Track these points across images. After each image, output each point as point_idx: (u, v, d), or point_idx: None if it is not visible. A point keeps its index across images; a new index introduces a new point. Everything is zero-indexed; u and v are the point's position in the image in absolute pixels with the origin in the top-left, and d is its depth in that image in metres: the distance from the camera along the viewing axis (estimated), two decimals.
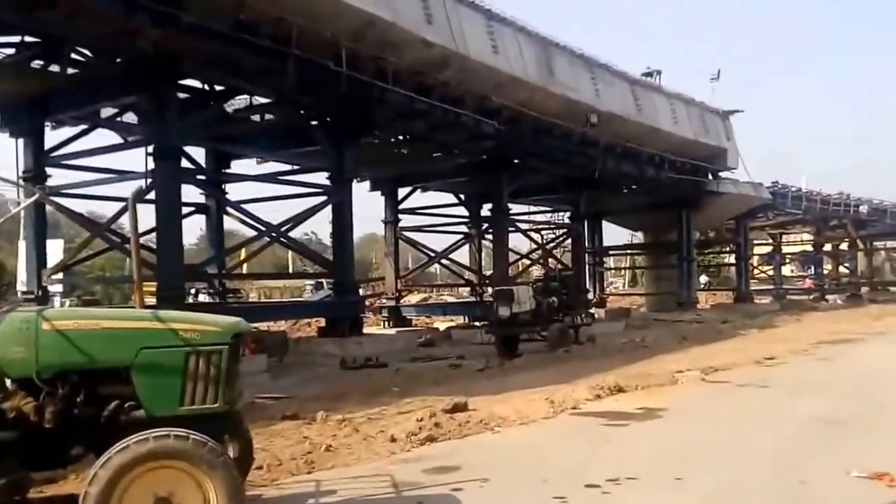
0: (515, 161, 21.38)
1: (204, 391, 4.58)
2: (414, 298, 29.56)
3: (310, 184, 16.75)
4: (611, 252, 37.20)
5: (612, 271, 51.92)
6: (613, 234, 39.44)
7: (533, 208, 28.53)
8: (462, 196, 25.07)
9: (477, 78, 17.59)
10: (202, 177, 17.05)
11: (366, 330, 21.45)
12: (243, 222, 16.01)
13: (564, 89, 20.45)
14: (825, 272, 45.71)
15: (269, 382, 12.69)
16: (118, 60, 13.55)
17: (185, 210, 17.26)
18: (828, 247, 46.33)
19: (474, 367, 13.50)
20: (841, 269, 48.41)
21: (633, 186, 28.80)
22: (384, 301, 23.03)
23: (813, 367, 13.41)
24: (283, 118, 16.55)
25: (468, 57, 16.83)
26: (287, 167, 18.86)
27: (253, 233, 17.13)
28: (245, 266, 38.10)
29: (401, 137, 19.15)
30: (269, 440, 7.54)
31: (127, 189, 15.20)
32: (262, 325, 19.55)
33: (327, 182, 16.23)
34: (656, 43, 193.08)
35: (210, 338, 4.67)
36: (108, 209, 21.72)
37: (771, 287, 43.44)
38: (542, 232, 29.90)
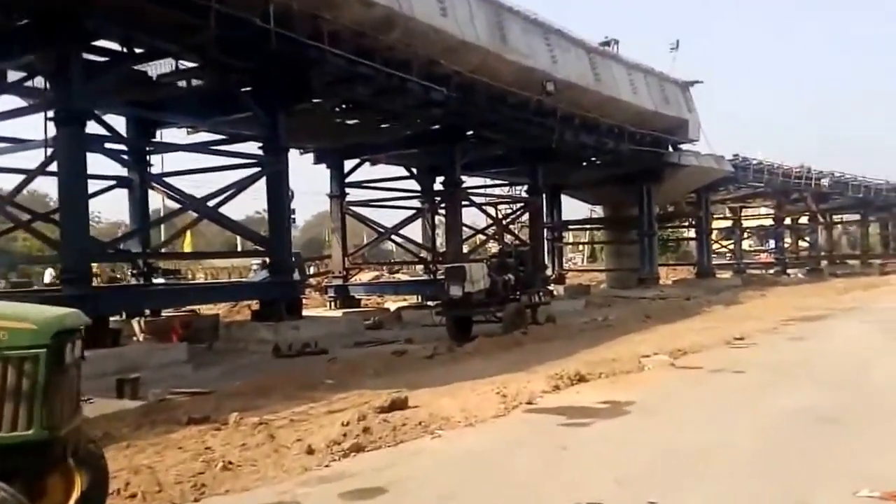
0: (468, 131, 20.14)
1: (13, 413, 3.36)
2: (366, 277, 28.26)
3: (242, 154, 15.27)
4: (570, 227, 36.23)
5: (572, 247, 51.23)
6: (573, 208, 38.56)
7: (489, 182, 27.28)
8: (414, 169, 23.71)
9: (424, 41, 16.25)
10: (121, 147, 15.46)
11: (312, 312, 20.24)
12: (171, 197, 14.52)
13: (518, 56, 19.22)
14: (786, 246, 45.35)
15: (190, 374, 11.39)
16: (15, 15, 11.94)
17: (104, 183, 15.85)
18: (787, 220, 46.00)
19: (422, 353, 12.27)
20: (801, 242, 48.22)
21: (593, 159, 27.77)
22: (331, 280, 21.70)
23: (787, 349, 12.46)
24: (211, 83, 15.01)
25: (413, 18, 15.49)
26: (220, 137, 17.30)
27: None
28: (188, 244, 36.58)
29: (345, 106, 17.71)
30: (160, 454, 6.24)
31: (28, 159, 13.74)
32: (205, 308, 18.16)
33: (261, 152, 14.77)
34: (614, 12, 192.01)
35: (20, 338, 3.44)
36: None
37: (731, 261, 43.03)
38: (500, 206, 28.66)
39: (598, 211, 37.49)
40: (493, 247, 25.16)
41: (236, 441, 6.61)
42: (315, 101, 16.64)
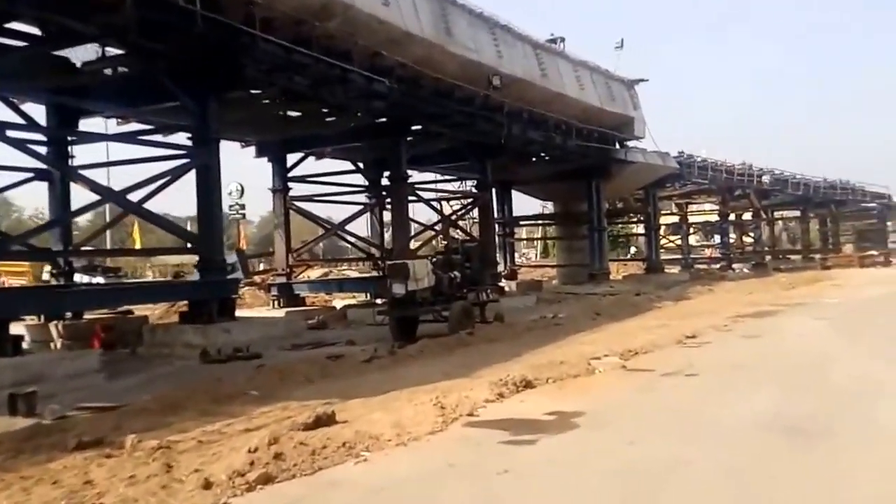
0: (414, 125, 19.10)
1: None
2: (315, 274, 27.03)
3: (169, 144, 14.00)
4: (521, 222, 35.43)
5: (525, 242, 50.62)
6: (527, 204, 37.74)
7: (438, 177, 26.26)
8: (361, 164, 22.56)
9: (366, 31, 15.19)
10: (38, 136, 14.07)
11: (255, 312, 19.02)
12: (93, 189, 13.18)
13: (464, 50, 18.29)
14: (731, 241, 45.29)
15: (102, 385, 10.17)
16: None
17: (21, 176, 14.47)
18: (732, 216, 45.93)
19: (361, 356, 11.20)
20: (745, 238, 48.28)
21: (542, 155, 26.99)
22: (275, 279, 20.44)
23: (741, 348, 11.72)
24: (136, 70, 13.66)
25: (354, 6, 14.43)
26: (150, 127, 15.94)
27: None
28: (137, 241, 34.81)
29: (285, 97, 16.48)
30: (27, 491, 5.15)
31: None
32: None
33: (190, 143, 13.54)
34: (557, 11, 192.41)
35: None
36: None
37: (679, 257, 42.78)
38: (451, 202, 27.64)
39: (551, 207, 36.79)
40: (443, 243, 24.17)
41: (125, 472, 5.52)
42: (252, 91, 15.47)
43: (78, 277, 31.20)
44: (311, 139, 19.47)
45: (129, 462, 5.81)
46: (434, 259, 14.97)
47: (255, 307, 20.35)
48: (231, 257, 24.20)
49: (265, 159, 20.27)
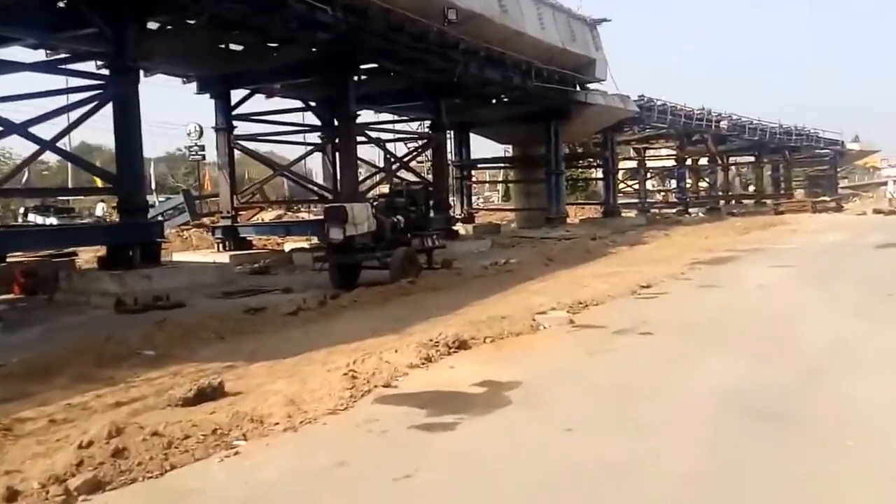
0: (364, 60, 17.35)
1: None
2: (270, 217, 25.37)
3: (86, 73, 12.20)
4: (479, 165, 33.84)
5: (488, 186, 49.14)
6: (489, 147, 35.88)
7: (393, 117, 24.46)
8: (313, 103, 20.73)
9: None
10: None
11: (197, 255, 17.46)
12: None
13: None
14: (687, 186, 44.21)
15: None
16: None
17: None
18: (689, 162, 44.81)
19: (286, 307, 9.74)
20: (701, 183, 47.30)
21: (501, 96, 25.36)
22: (219, 221, 18.79)
23: (698, 299, 10.51)
24: None
25: None
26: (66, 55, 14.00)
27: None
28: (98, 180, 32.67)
29: (223, 26, 14.61)
30: None
31: None
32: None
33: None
34: None
35: None
36: None
37: (636, 201, 41.73)
38: (407, 144, 25.96)
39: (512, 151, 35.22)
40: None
41: None
42: (187, 20, 13.62)
43: (31, 218, 29.37)
44: (255, 74, 17.61)
45: None
46: (376, 202, 13.49)
47: (202, 250, 18.76)
48: (177, 198, 22.57)
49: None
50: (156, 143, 43.24)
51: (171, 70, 17.30)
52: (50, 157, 37.67)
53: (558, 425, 4.86)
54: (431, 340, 7.18)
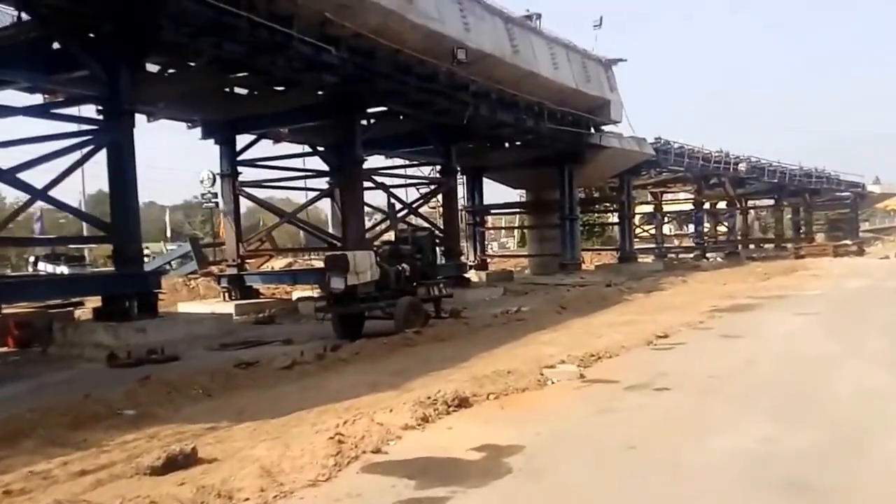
0: (371, 102, 17.19)
1: None
2: (279, 264, 25.07)
3: (79, 118, 12.03)
4: (492, 211, 33.50)
5: (505, 231, 48.78)
6: (504, 193, 35.44)
7: (402, 162, 24.24)
8: (321, 147, 20.53)
9: None
10: None
11: (201, 305, 17.10)
12: None
13: (426, 19, 16.26)
14: (705, 230, 43.57)
15: None
16: None
17: None
18: (706, 205, 44.26)
19: (280, 361, 9.26)
20: (719, 227, 46.65)
21: (513, 140, 25.16)
22: (225, 270, 18.47)
23: (719, 351, 9.95)
24: (41, 33, 11.65)
25: None
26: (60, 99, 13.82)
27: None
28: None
29: (222, 68, 14.51)
30: None
31: None
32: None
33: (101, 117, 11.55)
34: None
35: None
36: None
37: (653, 246, 41.16)
38: (419, 189, 25.68)
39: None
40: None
41: None
42: (188, 62, 13.50)
43: (42, 267, 29.26)
44: (261, 119, 17.46)
45: None
46: (380, 250, 13.11)
47: (209, 299, 18.40)
48: (184, 246, 22.35)
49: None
50: (174, 191, 43.53)
51: (174, 115, 17.20)
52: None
53: (561, 500, 4.36)
54: (430, 398, 6.71)
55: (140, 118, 16.05)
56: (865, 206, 67.86)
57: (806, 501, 4.24)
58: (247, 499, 4.48)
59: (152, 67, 13.98)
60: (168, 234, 45.56)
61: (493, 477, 4.88)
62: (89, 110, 12.65)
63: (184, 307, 16.42)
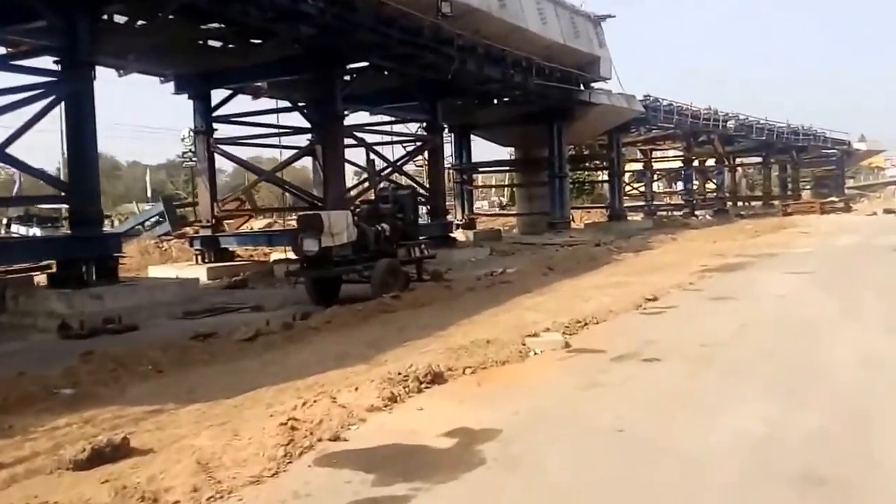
0: (353, 56, 16.23)
1: None
2: (258, 225, 24.23)
3: (31, 69, 11.09)
4: (480, 169, 32.60)
5: (496, 189, 47.90)
6: (497, 151, 34.41)
7: (386, 119, 23.25)
8: (302, 103, 19.53)
9: None
10: None
11: (172, 268, 16.27)
12: None
13: None
14: (694, 188, 42.85)
15: None
16: None
17: None
18: (695, 163, 43.47)
19: (241, 333, 8.45)
20: (708, 185, 45.96)
21: (501, 96, 24.24)
22: (199, 231, 17.57)
23: (711, 314, 9.30)
24: None
25: None
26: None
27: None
28: None
29: (193, 18, 13.51)
30: None
31: None
32: None
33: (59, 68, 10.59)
34: None
35: None
36: None
37: (642, 203, 40.51)
38: (406, 146, 24.66)
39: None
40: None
41: None
42: (143, 8, 12.43)
43: (15, 228, 28.24)
44: (237, 72, 16.45)
45: None
46: (357, 209, 12.33)
47: (181, 262, 17.55)
48: (157, 207, 21.44)
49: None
50: (160, 149, 42.35)
51: (146, 68, 16.16)
52: (49, 167, 36.67)
53: (540, 498, 3.70)
54: (400, 374, 6.03)
55: (111, 72, 15.23)
56: (851, 163, 67.27)
57: (826, 500, 3.59)
58: (176, 501, 3.80)
59: (120, 19, 13.05)
60: (149, 194, 44.29)
61: (464, 468, 4.21)
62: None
63: (154, 271, 15.60)
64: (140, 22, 12.91)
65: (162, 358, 7.18)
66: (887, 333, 7.61)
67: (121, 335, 9.02)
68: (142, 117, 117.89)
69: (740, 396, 5.52)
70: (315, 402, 5.43)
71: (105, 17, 11.39)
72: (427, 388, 5.93)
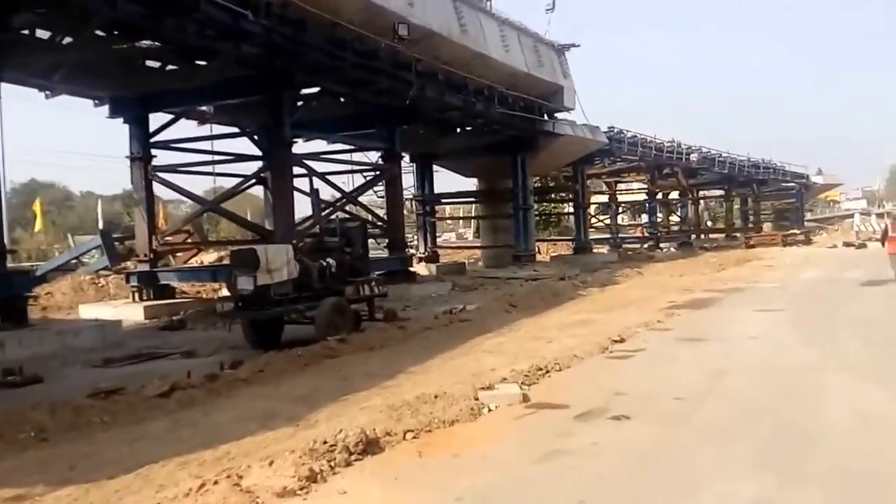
0: (305, 82, 15.36)
1: None
2: (209, 258, 22.96)
3: None
4: (443, 200, 31.74)
5: (463, 222, 47.19)
6: (459, 182, 33.48)
7: (342, 147, 22.29)
8: (250, 129, 18.41)
9: None
10: None
11: (107, 306, 14.98)
12: None
13: None
14: (658, 220, 42.55)
15: None
16: None
17: None
18: (659, 195, 43.24)
19: (153, 388, 7.29)
20: (671, 217, 45.78)
21: (463, 125, 23.49)
22: (136, 266, 16.26)
23: (683, 359, 8.45)
24: None
25: None
26: None
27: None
28: (38, 224, 29.96)
29: (146, 43, 12.52)
30: None
31: None
32: None
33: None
34: None
35: None
36: None
37: (607, 236, 40.05)
38: (365, 176, 23.63)
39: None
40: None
41: None
42: (60, 19, 11.41)
43: None
44: (178, 95, 15.34)
45: None
46: (300, 244, 11.33)
47: (119, 300, 16.19)
48: (95, 239, 20.06)
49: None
50: (116, 179, 40.81)
51: (75, 90, 14.98)
52: None
53: None
54: (327, 442, 5.07)
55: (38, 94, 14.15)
56: (810, 196, 68.16)
57: None
58: None
59: (44, 34, 12.04)
60: (101, 225, 42.46)
61: None
62: None
63: (85, 310, 14.27)
64: (66, 39, 11.92)
65: (49, 422, 6.06)
66: (874, 384, 6.85)
67: (19, 388, 7.86)
68: (99, 146, 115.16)
69: (725, 467, 4.68)
70: (216, 483, 4.44)
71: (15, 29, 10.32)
72: (358, 459, 4.98)
